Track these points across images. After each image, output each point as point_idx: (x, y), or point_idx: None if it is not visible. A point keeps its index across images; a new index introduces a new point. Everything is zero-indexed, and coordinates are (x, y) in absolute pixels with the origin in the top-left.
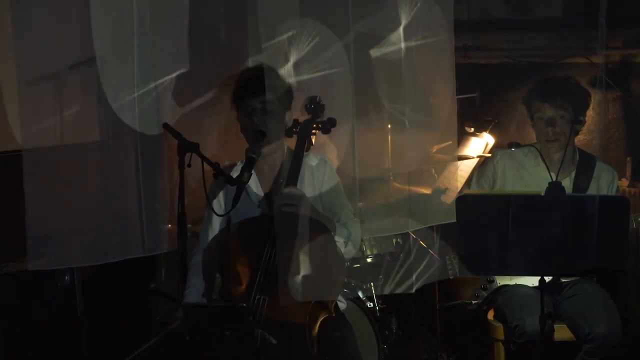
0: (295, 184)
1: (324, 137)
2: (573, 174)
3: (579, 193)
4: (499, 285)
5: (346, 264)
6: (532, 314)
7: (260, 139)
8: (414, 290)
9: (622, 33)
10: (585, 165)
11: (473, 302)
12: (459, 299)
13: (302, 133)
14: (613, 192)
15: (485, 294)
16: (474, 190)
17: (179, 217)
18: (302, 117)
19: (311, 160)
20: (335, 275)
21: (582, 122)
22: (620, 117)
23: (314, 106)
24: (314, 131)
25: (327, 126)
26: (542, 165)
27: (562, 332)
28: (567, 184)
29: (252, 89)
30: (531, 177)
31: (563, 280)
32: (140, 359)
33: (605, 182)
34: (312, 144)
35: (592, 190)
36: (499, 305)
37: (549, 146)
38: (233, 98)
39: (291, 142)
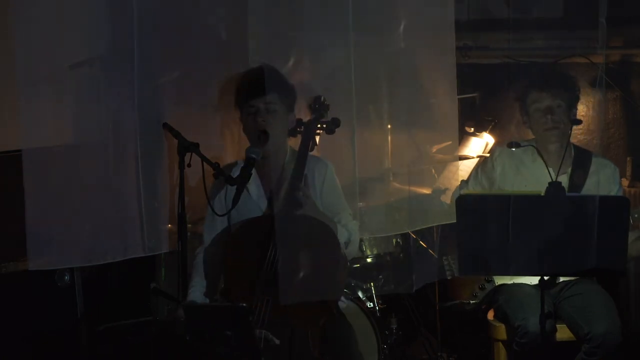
0: (299, 185)
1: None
2: (569, 170)
3: (575, 189)
4: (497, 284)
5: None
6: (535, 313)
7: (263, 140)
8: (413, 290)
9: (622, 33)
10: (581, 161)
11: (471, 302)
12: (457, 299)
13: (306, 133)
14: (617, 186)
15: (483, 293)
16: (472, 188)
17: (179, 217)
18: (306, 117)
19: (312, 161)
20: (337, 275)
21: (575, 114)
22: (620, 117)
23: (319, 106)
24: (317, 131)
25: (332, 126)
26: (540, 160)
27: (562, 332)
28: (565, 180)
29: (255, 90)
30: (530, 173)
31: (562, 279)
32: (139, 358)
33: (606, 177)
34: (316, 144)
35: (589, 187)
36: (500, 305)
37: (549, 135)
38: (236, 99)
39: (293, 142)
